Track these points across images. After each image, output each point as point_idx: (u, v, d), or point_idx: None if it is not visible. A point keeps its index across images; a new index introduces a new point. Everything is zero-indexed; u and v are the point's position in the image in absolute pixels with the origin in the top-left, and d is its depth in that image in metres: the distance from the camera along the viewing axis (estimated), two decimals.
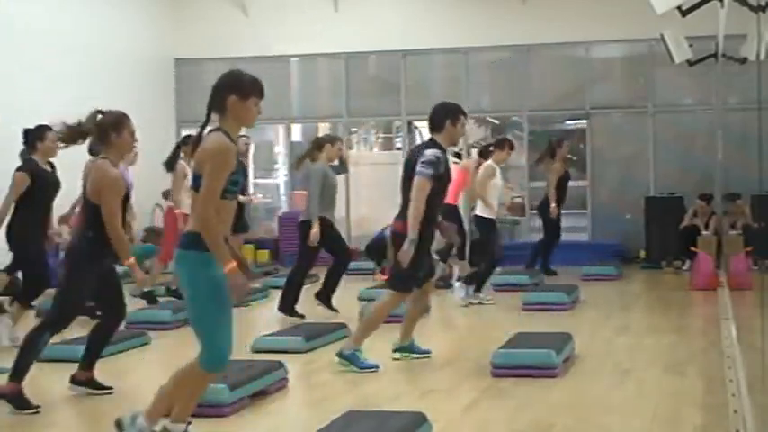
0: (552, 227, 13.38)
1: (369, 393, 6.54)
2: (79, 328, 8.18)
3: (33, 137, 8.01)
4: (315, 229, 9.62)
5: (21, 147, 8.25)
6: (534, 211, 14.98)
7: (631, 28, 14.66)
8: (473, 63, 16.25)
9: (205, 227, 4.57)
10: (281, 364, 6.53)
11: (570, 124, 17.20)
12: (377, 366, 7.11)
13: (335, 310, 9.92)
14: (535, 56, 15.98)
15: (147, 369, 7.58)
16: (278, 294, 10.20)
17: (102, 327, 6.54)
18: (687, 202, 14.49)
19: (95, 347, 6.51)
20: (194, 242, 4.61)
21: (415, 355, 7.51)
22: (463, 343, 8.70)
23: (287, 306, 9.84)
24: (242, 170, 4.85)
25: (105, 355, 7.68)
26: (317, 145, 10.08)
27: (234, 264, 4.61)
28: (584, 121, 16.16)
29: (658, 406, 5.91)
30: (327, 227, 9.78)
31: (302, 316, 9.71)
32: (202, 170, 4.61)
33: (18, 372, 6.06)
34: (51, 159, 8.11)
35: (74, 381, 6.48)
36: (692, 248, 12.60)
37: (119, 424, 4.89)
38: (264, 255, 15.75)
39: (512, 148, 11.12)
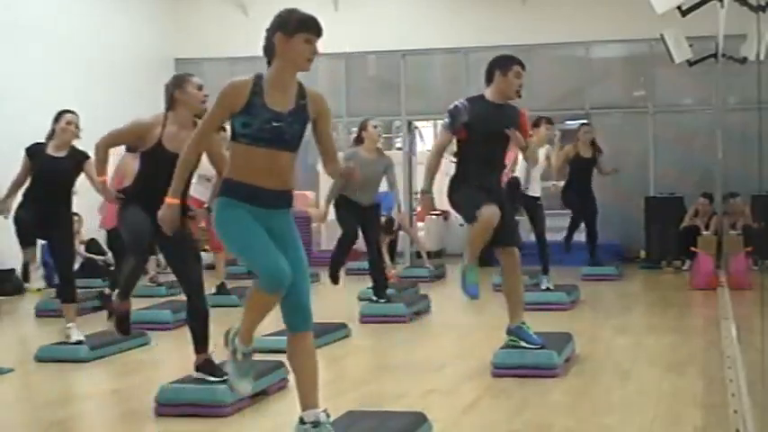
0: (573, 209, 12.76)
1: (369, 393, 6.54)
2: (82, 328, 8.19)
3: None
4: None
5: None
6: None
7: (631, 28, 14.66)
8: (473, 63, 16.25)
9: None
10: (281, 364, 6.53)
11: (570, 124, 17.19)
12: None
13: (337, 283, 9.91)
14: (535, 56, 15.95)
15: (147, 369, 7.58)
16: None
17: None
18: (687, 202, 14.49)
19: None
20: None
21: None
22: (463, 343, 8.69)
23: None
24: (285, 120, 4.79)
25: (105, 355, 7.73)
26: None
27: (174, 200, 4.74)
28: (584, 122, 16.13)
29: (658, 406, 5.90)
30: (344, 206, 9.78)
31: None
32: None
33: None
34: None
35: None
36: (692, 248, 12.61)
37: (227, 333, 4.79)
38: None
39: (549, 122, 10.85)
